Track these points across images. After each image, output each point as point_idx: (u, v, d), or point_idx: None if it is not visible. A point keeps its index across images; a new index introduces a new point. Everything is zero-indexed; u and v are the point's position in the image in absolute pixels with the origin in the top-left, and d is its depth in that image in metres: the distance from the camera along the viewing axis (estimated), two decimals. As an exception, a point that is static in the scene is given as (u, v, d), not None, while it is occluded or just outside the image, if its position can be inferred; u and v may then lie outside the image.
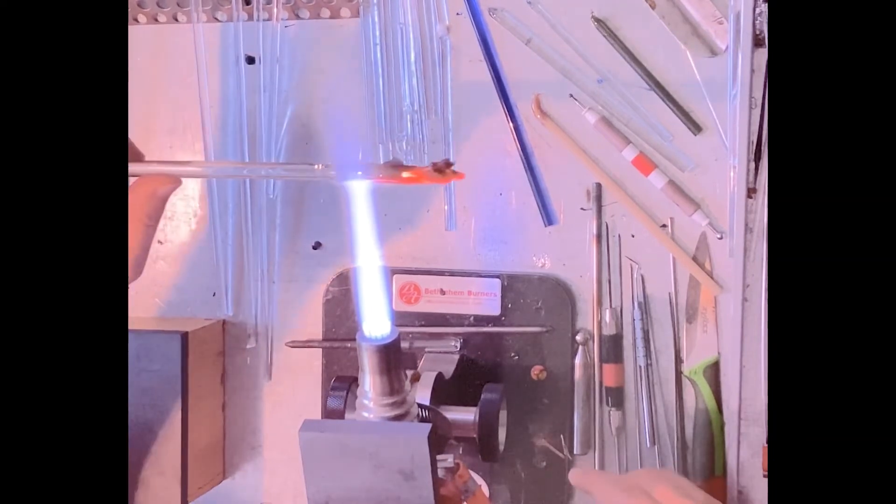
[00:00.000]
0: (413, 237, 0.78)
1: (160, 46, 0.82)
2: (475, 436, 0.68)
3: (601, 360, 0.75)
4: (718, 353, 0.73)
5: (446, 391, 0.72)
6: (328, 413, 0.67)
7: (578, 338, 0.75)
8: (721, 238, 0.72)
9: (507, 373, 0.76)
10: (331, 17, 0.78)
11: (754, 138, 0.70)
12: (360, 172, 0.51)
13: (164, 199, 0.58)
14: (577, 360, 0.75)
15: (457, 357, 0.76)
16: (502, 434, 0.70)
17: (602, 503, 0.62)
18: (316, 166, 0.52)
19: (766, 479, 0.70)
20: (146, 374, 0.75)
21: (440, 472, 0.56)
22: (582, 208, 0.75)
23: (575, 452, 0.76)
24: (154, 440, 0.76)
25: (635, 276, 0.74)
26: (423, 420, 0.58)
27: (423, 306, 0.78)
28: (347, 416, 0.67)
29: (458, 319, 0.77)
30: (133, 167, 0.56)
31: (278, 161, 0.80)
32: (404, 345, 0.76)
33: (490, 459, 0.68)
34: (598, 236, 0.75)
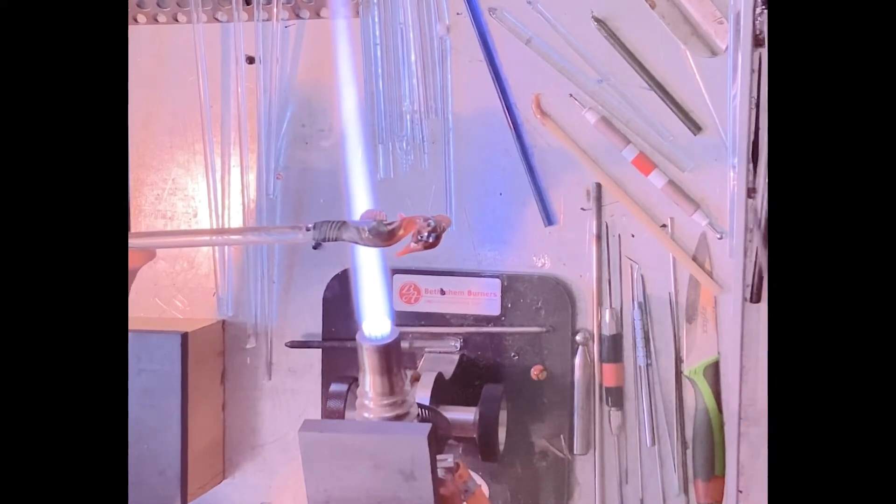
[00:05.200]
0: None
1: (160, 46, 0.82)
2: (475, 436, 0.68)
3: (601, 360, 0.75)
4: (718, 353, 0.73)
5: (446, 391, 0.72)
6: (328, 413, 0.67)
7: (578, 338, 0.75)
8: (721, 238, 0.72)
9: (507, 373, 0.76)
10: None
11: (754, 138, 0.70)
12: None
13: (136, 272, 0.65)
14: (577, 360, 0.75)
15: (457, 357, 0.76)
16: (502, 434, 0.70)
17: None
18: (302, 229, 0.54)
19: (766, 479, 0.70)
20: (146, 374, 0.75)
21: (440, 472, 0.56)
22: (582, 208, 0.75)
23: (575, 452, 0.76)
24: (154, 440, 0.76)
25: (635, 276, 0.74)
26: (423, 420, 0.58)
27: (423, 306, 0.78)
28: (347, 416, 0.67)
29: (458, 319, 0.77)
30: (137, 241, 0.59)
31: (278, 160, 0.80)
32: (404, 345, 0.76)
33: (490, 459, 0.68)
34: (598, 236, 0.75)
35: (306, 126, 0.80)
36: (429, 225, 0.52)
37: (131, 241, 0.57)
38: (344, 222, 0.53)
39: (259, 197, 0.81)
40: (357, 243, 0.53)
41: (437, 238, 0.53)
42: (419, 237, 0.52)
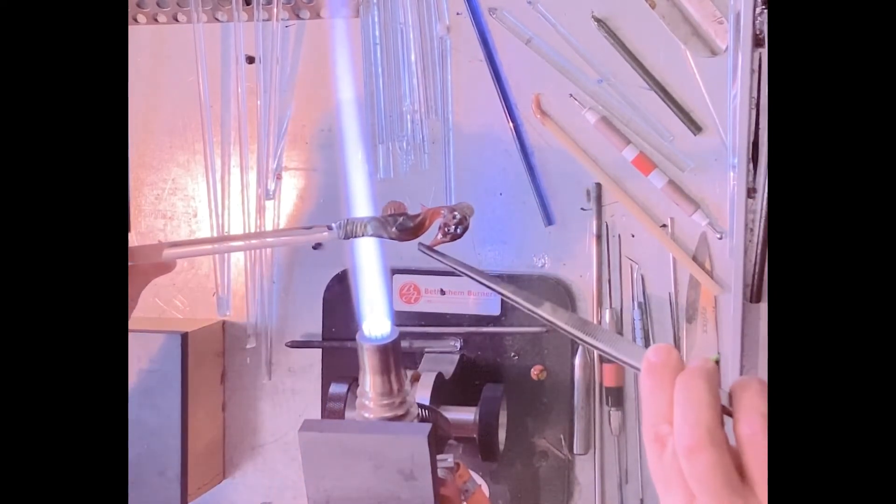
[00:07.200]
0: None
1: (160, 46, 0.82)
2: (475, 436, 0.68)
3: (601, 360, 0.75)
4: (718, 353, 0.73)
5: (446, 391, 0.72)
6: (328, 413, 0.67)
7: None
8: (721, 238, 0.72)
9: (507, 373, 0.76)
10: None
11: (754, 138, 0.70)
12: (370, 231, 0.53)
13: (149, 282, 0.64)
14: (577, 360, 0.75)
15: (457, 357, 0.76)
16: (502, 434, 0.70)
17: None
18: (325, 228, 0.54)
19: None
20: (146, 374, 0.75)
21: (440, 472, 0.56)
22: (582, 208, 0.75)
23: (575, 452, 0.76)
24: (154, 440, 0.76)
25: (635, 276, 0.74)
26: (423, 420, 0.58)
27: (423, 306, 0.78)
28: (347, 415, 0.67)
29: (458, 319, 0.77)
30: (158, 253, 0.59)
31: (278, 160, 0.80)
32: (404, 345, 0.76)
33: (490, 459, 0.68)
34: (598, 236, 0.75)
35: (306, 126, 0.80)
36: (455, 217, 0.52)
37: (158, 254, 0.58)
38: (371, 218, 0.53)
39: (259, 196, 0.80)
40: (384, 238, 0.53)
41: (465, 229, 0.53)
42: (447, 229, 0.53)
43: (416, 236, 0.53)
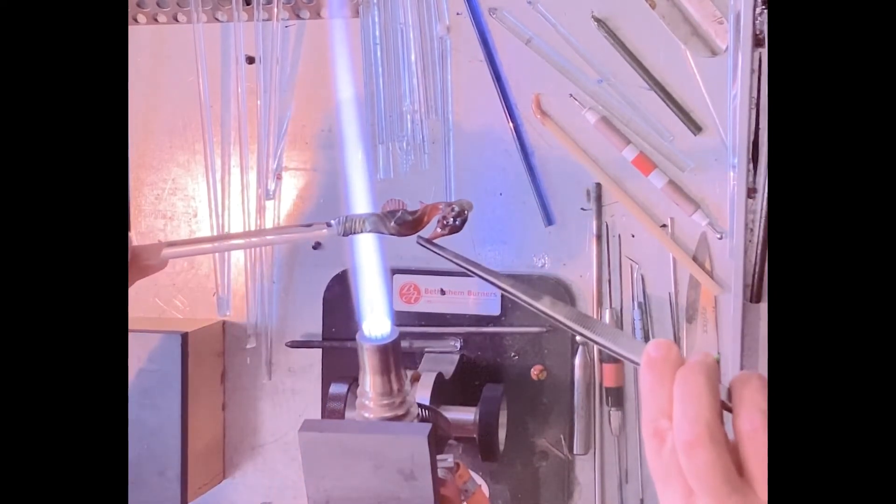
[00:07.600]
0: (413, 237, 0.78)
1: (160, 46, 0.82)
2: (475, 436, 0.68)
3: (601, 360, 0.75)
4: (718, 353, 0.73)
5: (446, 391, 0.72)
6: (328, 413, 0.67)
7: (578, 338, 0.75)
8: (721, 238, 0.72)
9: (507, 373, 0.76)
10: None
11: (754, 138, 0.70)
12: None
13: (137, 280, 0.62)
14: (577, 360, 0.75)
15: (457, 357, 0.76)
16: (502, 434, 0.70)
17: None
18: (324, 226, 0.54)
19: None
20: (146, 374, 0.75)
21: (440, 472, 0.56)
22: (582, 208, 0.75)
23: (575, 452, 0.76)
24: (154, 440, 0.76)
25: (635, 276, 0.74)
26: (423, 420, 0.58)
27: (423, 306, 0.78)
28: (347, 415, 0.67)
29: (458, 319, 0.77)
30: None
31: (278, 160, 0.80)
32: (404, 345, 0.76)
33: (490, 459, 0.68)
34: (598, 236, 0.75)
35: (306, 126, 0.80)
36: (453, 210, 0.52)
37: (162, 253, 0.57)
38: (370, 214, 0.53)
39: (259, 196, 0.80)
40: (383, 233, 0.53)
41: (464, 222, 0.53)
42: (445, 222, 0.53)
43: (415, 231, 0.54)
